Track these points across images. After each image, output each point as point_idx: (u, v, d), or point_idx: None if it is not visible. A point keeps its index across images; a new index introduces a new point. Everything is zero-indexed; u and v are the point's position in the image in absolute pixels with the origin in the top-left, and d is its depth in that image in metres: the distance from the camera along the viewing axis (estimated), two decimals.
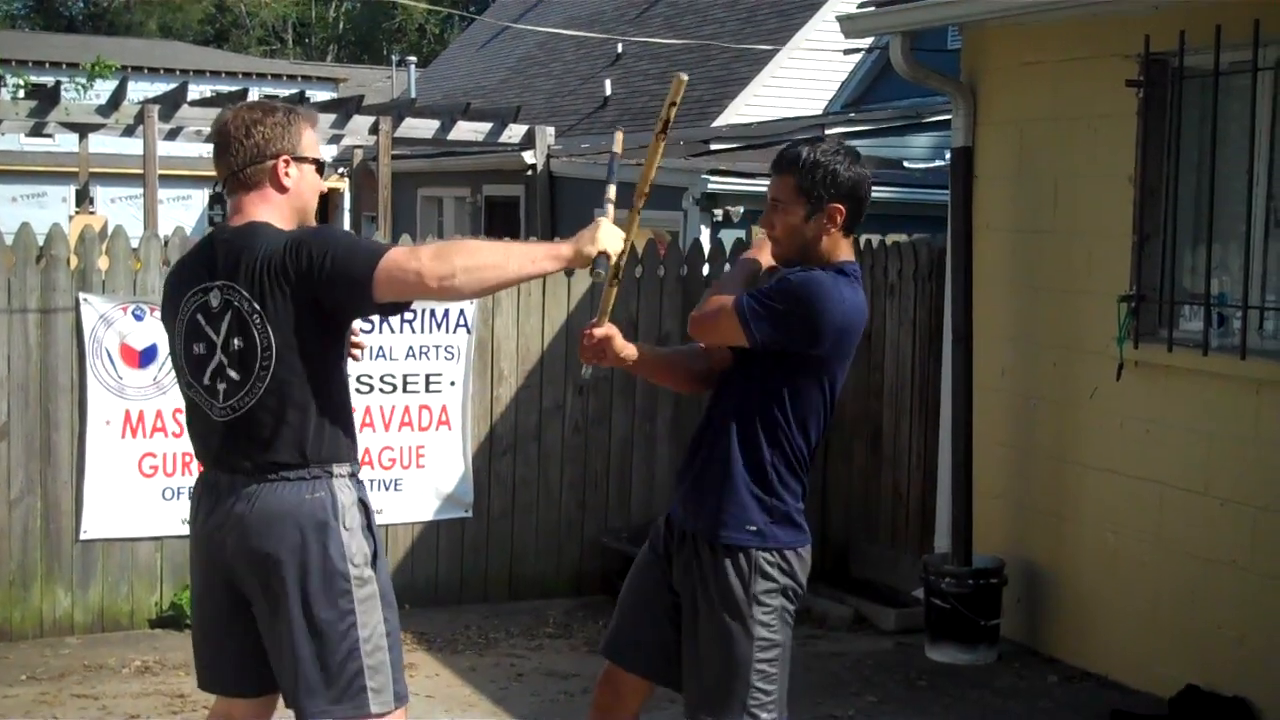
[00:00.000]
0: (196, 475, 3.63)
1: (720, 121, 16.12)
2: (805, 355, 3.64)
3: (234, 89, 17.11)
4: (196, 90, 13.36)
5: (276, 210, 3.47)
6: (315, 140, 3.56)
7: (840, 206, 3.64)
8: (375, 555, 3.47)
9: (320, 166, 3.58)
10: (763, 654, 3.72)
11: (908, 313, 7.66)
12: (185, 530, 4.29)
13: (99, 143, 15.35)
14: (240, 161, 3.45)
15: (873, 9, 7.06)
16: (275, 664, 3.46)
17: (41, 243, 6.54)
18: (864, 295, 3.72)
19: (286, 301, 3.31)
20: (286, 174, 3.47)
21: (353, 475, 3.47)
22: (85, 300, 6.50)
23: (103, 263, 6.59)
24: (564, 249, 3.41)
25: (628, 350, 3.81)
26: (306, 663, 3.38)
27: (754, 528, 3.71)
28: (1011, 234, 6.83)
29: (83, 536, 6.58)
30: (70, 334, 6.51)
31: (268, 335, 3.33)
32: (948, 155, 12.64)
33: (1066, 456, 6.56)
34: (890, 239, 8.02)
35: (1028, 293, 6.76)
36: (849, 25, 7.24)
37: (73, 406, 6.53)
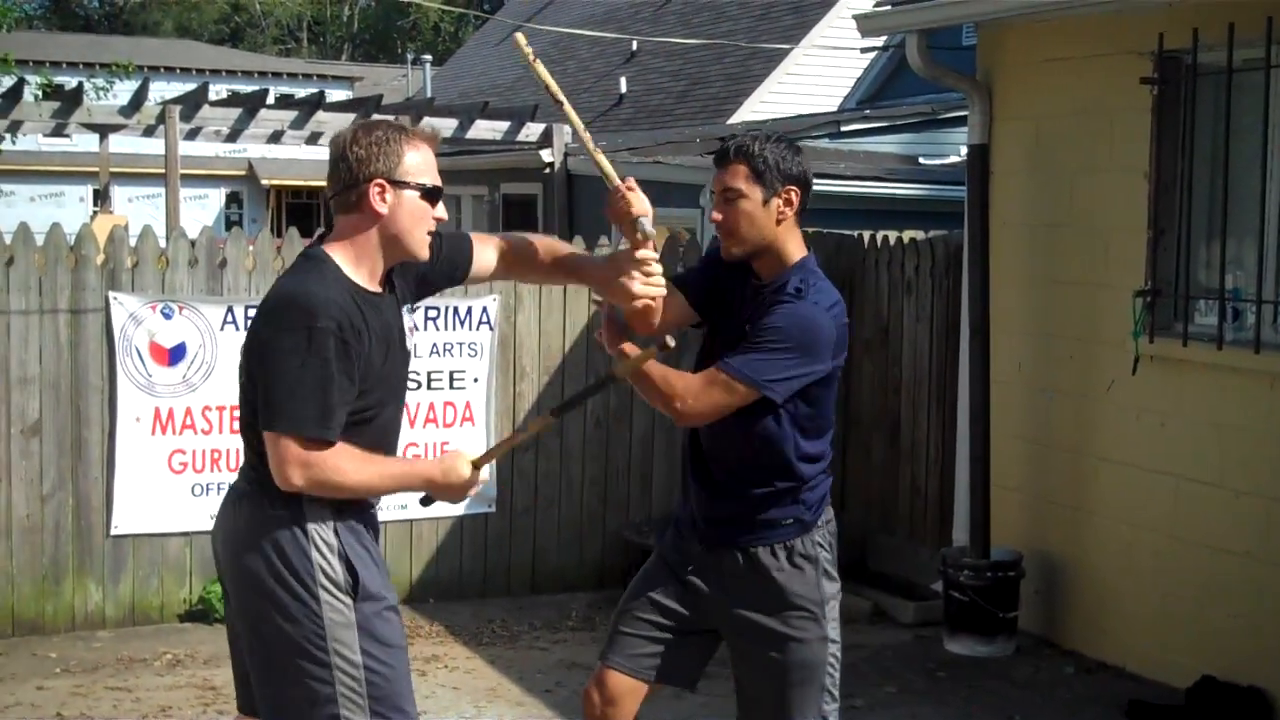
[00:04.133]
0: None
1: (735, 119, 16.18)
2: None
3: (251, 88, 17.20)
4: (214, 90, 13.43)
5: (356, 241, 3.28)
6: (424, 164, 3.29)
7: (795, 189, 3.61)
8: (357, 586, 3.25)
9: (430, 192, 3.31)
10: (833, 653, 3.77)
11: (925, 308, 7.73)
12: None
13: (117, 142, 15.47)
14: (333, 186, 3.29)
15: (889, 7, 7.13)
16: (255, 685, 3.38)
17: (71, 242, 6.65)
18: (827, 281, 3.69)
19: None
20: (382, 199, 3.24)
21: (330, 502, 3.25)
22: (115, 299, 6.60)
23: (130, 261, 6.69)
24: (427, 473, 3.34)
25: None
26: (259, 685, 3.32)
27: (790, 520, 3.73)
28: (1027, 229, 6.90)
29: (113, 532, 6.68)
30: (100, 332, 6.61)
31: (245, 360, 3.30)
32: (963, 151, 12.74)
33: (1083, 449, 6.63)
34: (907, 235, 8.09)
35: (1044, 287, 6.83)
36: (865, 23, 7.31)
37: (103, 404, 6.64)
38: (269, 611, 3.25)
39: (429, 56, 27.89)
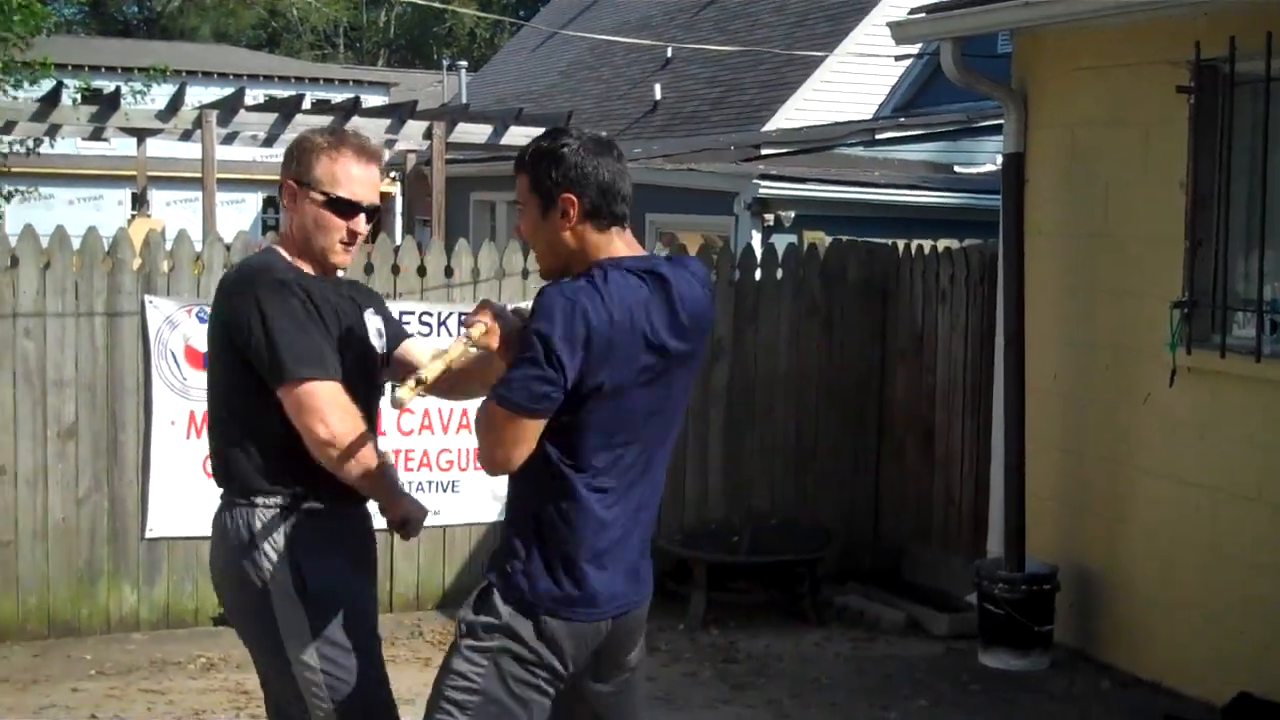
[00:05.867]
0: None
1: (770, 126, 16.17)
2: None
3: (288, 93, 17.28)
4: (251, 95, 13.50)
5: (286, 235, 3.47)
6: (339, 176, 3.35)
7: (571, 195, 3.08)
8: (305, 587, 3.28)
9: (333, 203, 3.35)
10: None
11: (959, 317, 7.70)
12: None
13: (154, 147, 15.53)
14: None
15: (923, 15, 7.11)
16: None
17: (107, 246, 6.69)
18: (613, 291, 3.01)
19: (215, 337, 3.42)
20: (291, 199, 3.39)
21: (281, 506, 3.30)
22: (150, 302, 6.64)
23: (165, 265, 6.73)
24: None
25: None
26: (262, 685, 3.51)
27: None
28: (1063, 238, 6.86)
29: (148, 535, 6.72)
30: (136, 336, 6.65)
31: (210, 357, 3.45)
32: (998, 160, 12.69)
33: (1119, 461, 6.58)
34: (942, 244, 8.06)
35: (1080, 297, 6.78)
36: (899, 32, 7.29)
37: (139, 407, 6.67)
38: (237, 614, 3.39)
39: (464, 62, 27.98)
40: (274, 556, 3.29)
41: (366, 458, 3.26)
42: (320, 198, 3.35)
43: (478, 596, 3.15)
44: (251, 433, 3.33)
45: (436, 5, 28.59)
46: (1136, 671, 6.46)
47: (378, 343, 3.53)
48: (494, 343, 3.14)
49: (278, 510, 3.30)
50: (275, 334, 3.22)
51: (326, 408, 3.21)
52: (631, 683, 3.34)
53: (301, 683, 3.30)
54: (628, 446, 3.10)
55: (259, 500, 3.31)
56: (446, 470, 7.13)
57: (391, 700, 3.42)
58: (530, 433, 3.03)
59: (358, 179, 3.38)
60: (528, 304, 3.13)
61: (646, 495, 3.20)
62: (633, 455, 3.12)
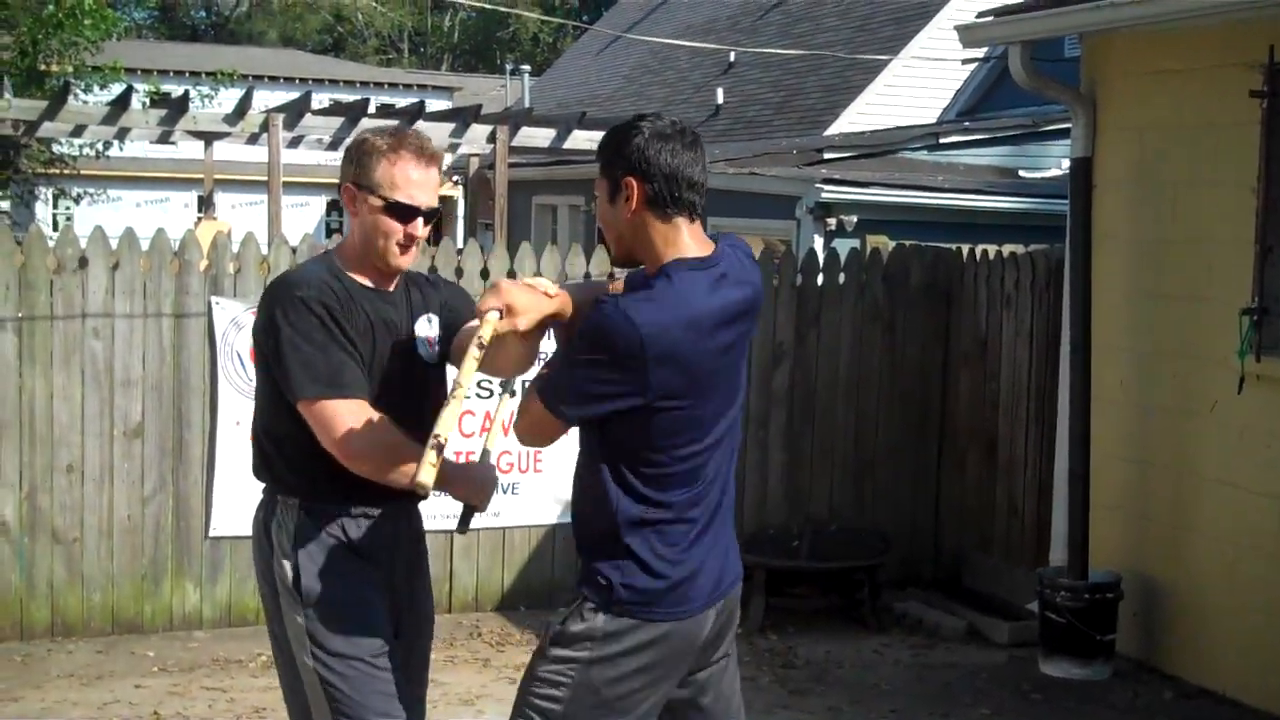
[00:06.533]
0: None
1: (833, 130, 16.10)
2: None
3: (352, 97, 17.43)
4: (316, 99, 13.61)
5: (348, 240, 3.45)
6: (398, 179, 3.31)
7: (633, 179, 3.02)
8: (304, 590, 3.29)
9: (391, 207, 3.32)
10: None
11: (1024, 323, 7.63)
12: None
13: (221, 150, 15.71)
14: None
15: (992, 19, 7.05)
16: None
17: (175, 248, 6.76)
18: (681, 300, 2.95)
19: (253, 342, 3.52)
20: (351, 202, 3.37)
21: (303, 507, 3.32)
22: (217, 303, 6.70)
23: (232, 266, 6.79)
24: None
25: None
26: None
27: None
28: (1131, 244, 6.78)
29: (212, 534, 6.78)
30: (203, 336, 6.71)
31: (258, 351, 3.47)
32: (1063, 165, 12.56)
33: (1185, 469, 6.49)
34: (1007, 249, 7.99)
35: (1147, 303, 6.70)
36: (967, 35, 7.23)
37: (204, 407, 6.74)
38: (264, 607, 3.49)
39: (527, 67, 28.08)
40: (284, 556, 3.31)
41: (390, 463, 3.21)
42: (379, 202, 3.31)
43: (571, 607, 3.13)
44: (277, 435, 3.36)
45: (501, 9, 28.72)
46: (1201, 682, 6.37)
47: (428, 351, 3.47)
48: (520, 324, 3.08)
49: (295, 510, 3.32)
50: (287, 352, 3.23)
51: (339, 426, 3.20)
52: (728, 669, 3.28)
53: (306, 683, 3.34)
54: (704, 444, 3.05)
55: (279, 498, 3.35)
56: (507, 472, 7.14)
57: (398, 711, 3.33)
58: (559, 430, 3.07)
59: (416, 182, 3.33)
60: (609, 276, 3.06)
61: (725, 479, 3.15)
62: (709, 451, 3.06)
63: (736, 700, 3.32)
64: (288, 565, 3.30)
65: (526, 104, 22.70)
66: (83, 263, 6.58)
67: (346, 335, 3.27)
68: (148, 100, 13.46)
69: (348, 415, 3.20)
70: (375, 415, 3.23)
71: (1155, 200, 6.64)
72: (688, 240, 3.05)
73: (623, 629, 3.03)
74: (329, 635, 3.28)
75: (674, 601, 3.04)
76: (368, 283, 3.37)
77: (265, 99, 17.34)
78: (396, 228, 3.33)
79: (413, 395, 3.39)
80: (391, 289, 3.43)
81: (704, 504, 3.07)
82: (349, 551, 3.33)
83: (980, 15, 7.27)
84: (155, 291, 6.67)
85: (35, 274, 6.50)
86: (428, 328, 3.48)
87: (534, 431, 3.14)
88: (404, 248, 3.36)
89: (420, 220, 3.36)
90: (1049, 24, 6.78)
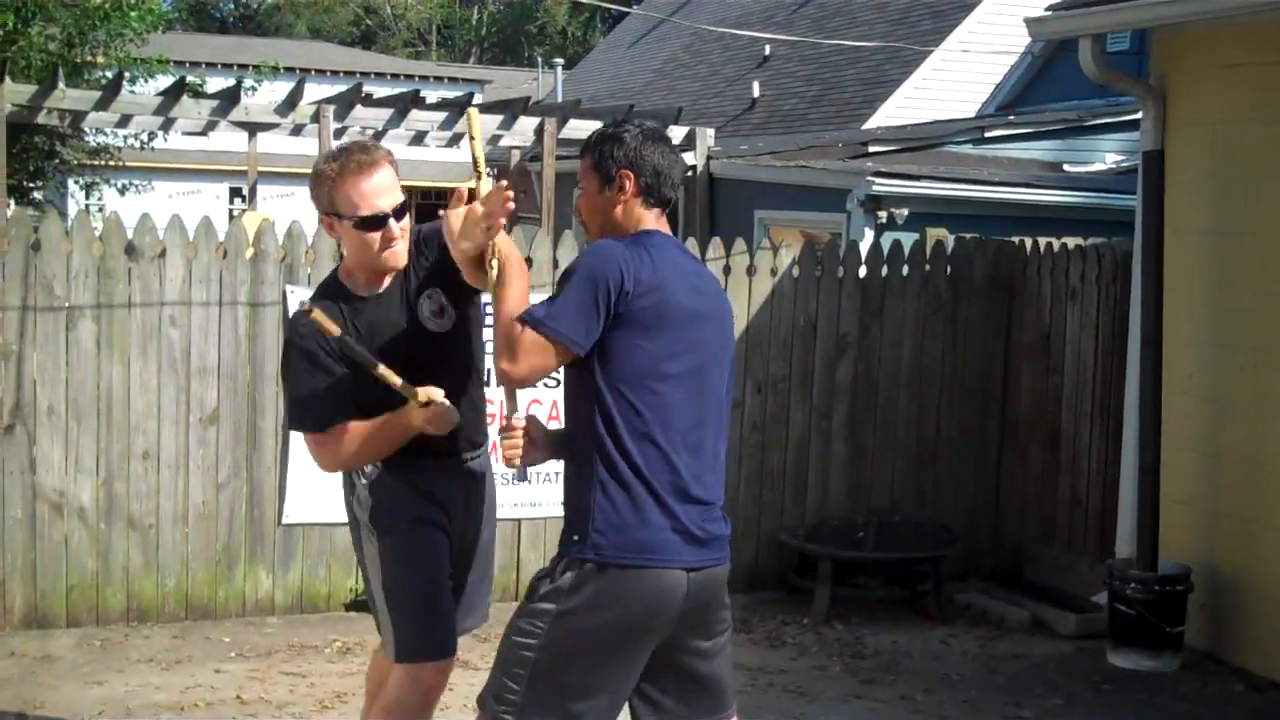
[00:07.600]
0: None
1: (871, 124, 16.08)
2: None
3: (382, 90, 17.46)
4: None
5: (345, 258, 3.93)
6: (357, 195, 3.72)
7: (629, 173, 3.54)
8: (374, 519, 3.88)
9: (364, 222, 3.74)
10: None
11: (1089, 316, 7.63)
12: None
13: (258, 142, 15.80)
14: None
15: (1063, 11, 7.05)
16: None
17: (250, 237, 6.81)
18: (655, 255, 3.47)
19: None
20: (332, 230, 3.83)
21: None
22: (291, 292, 6.74)
23: (307, 256, 6.84)
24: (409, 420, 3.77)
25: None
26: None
27: None
28: (1202, 236, 6.78)
29: (284, 521, 6.84)
30: (277, 325, 6.75)
31: None
32: (1108, 159, 12.54)
33: (1258, 463, 6.50)
34: (1072, 242, 7.99)
35: (1219, 295, 6.70)
36: (1036, 28, 7.23)
37: (278, 395, 6.76)
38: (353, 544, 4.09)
39: (560, 60, 28.10)
40: (362, 492, 3.91)
41: (373, 444, 3.78)
42: (349, 223, 3.73)
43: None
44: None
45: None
46: (1271, 675, 6.38)
47: (437, 324, 3.87)
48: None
49: (372, 469, 3.91)
50: (287, 393, 3.91)
51: (323, 452, 3.82)
52: (726, 648, 3.71)
53: (373, 590, 3.94)
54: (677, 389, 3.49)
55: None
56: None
57: (439, 607, 3.90)
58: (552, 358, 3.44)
59: (371, 192, 3.71)
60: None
61: (710, 451, 3.57)
62: (681, 401, 3.50)
63: (729, 679, 3.74)
64: (364, 502, 3.90)
65: (559, 97, 22.73)
66: (161, 252, 6.63)
67: (330, 371, 3.73)
68: (202, 86, 13.51)
69: (329, 441, 3.79)
70: (351, 426, 3.76)
71: (1229, 193, 6.64)
72: (657, 227, 3.60)
73: (583, 580, 3.43)
74: (398, 549, 3.86)
75: (637, 547, 3.42)
76: (365, 293, 3.83)
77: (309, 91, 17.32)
78: (374, 237, 3.73)
79: (432, 367, 3.80)
80: (383, 289, 3.85)
81: (670, 468, 3.45)
82: (414, 490, 3.87)
83: (1051, 8, 7.25)
84: (231, 281, 6.72)
85: (114, 262, 6.56)
86: (429, 303, 3.88)
87: (533, 364, 3.44)
88: (389, 249, 3.76)
89: (391, 222, 3.74)
90: (1122, 17, 6.77)
